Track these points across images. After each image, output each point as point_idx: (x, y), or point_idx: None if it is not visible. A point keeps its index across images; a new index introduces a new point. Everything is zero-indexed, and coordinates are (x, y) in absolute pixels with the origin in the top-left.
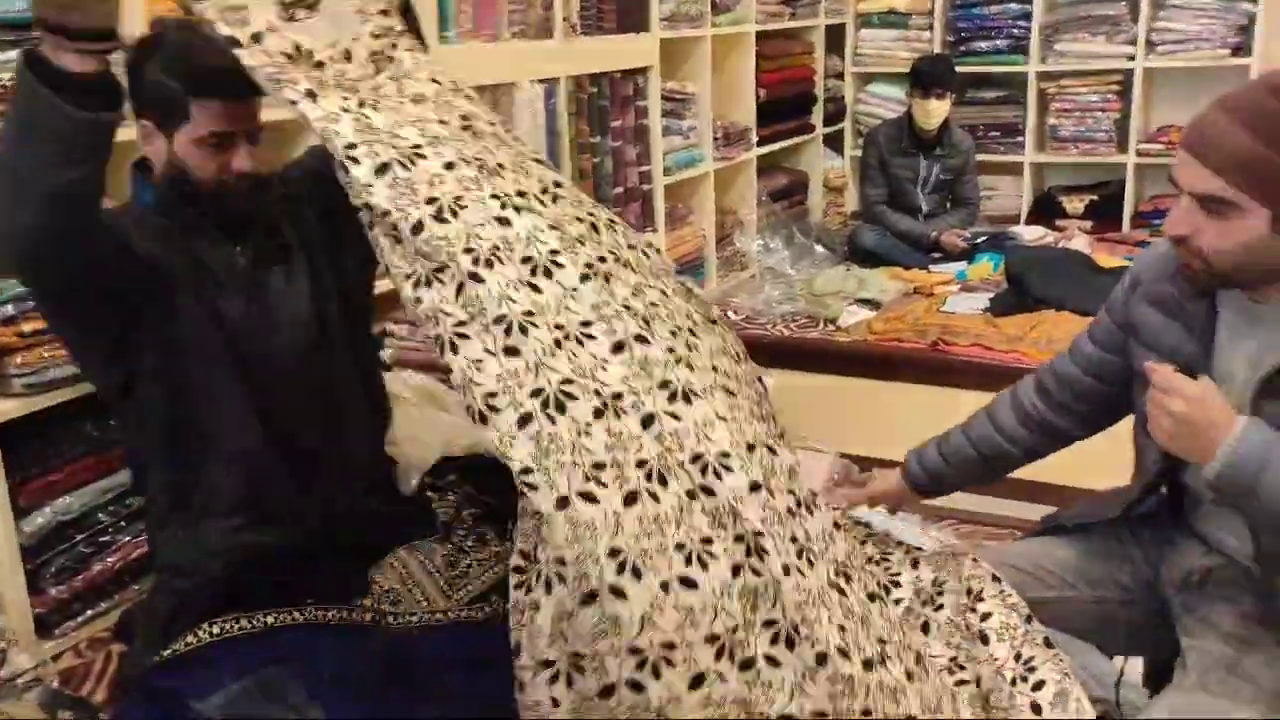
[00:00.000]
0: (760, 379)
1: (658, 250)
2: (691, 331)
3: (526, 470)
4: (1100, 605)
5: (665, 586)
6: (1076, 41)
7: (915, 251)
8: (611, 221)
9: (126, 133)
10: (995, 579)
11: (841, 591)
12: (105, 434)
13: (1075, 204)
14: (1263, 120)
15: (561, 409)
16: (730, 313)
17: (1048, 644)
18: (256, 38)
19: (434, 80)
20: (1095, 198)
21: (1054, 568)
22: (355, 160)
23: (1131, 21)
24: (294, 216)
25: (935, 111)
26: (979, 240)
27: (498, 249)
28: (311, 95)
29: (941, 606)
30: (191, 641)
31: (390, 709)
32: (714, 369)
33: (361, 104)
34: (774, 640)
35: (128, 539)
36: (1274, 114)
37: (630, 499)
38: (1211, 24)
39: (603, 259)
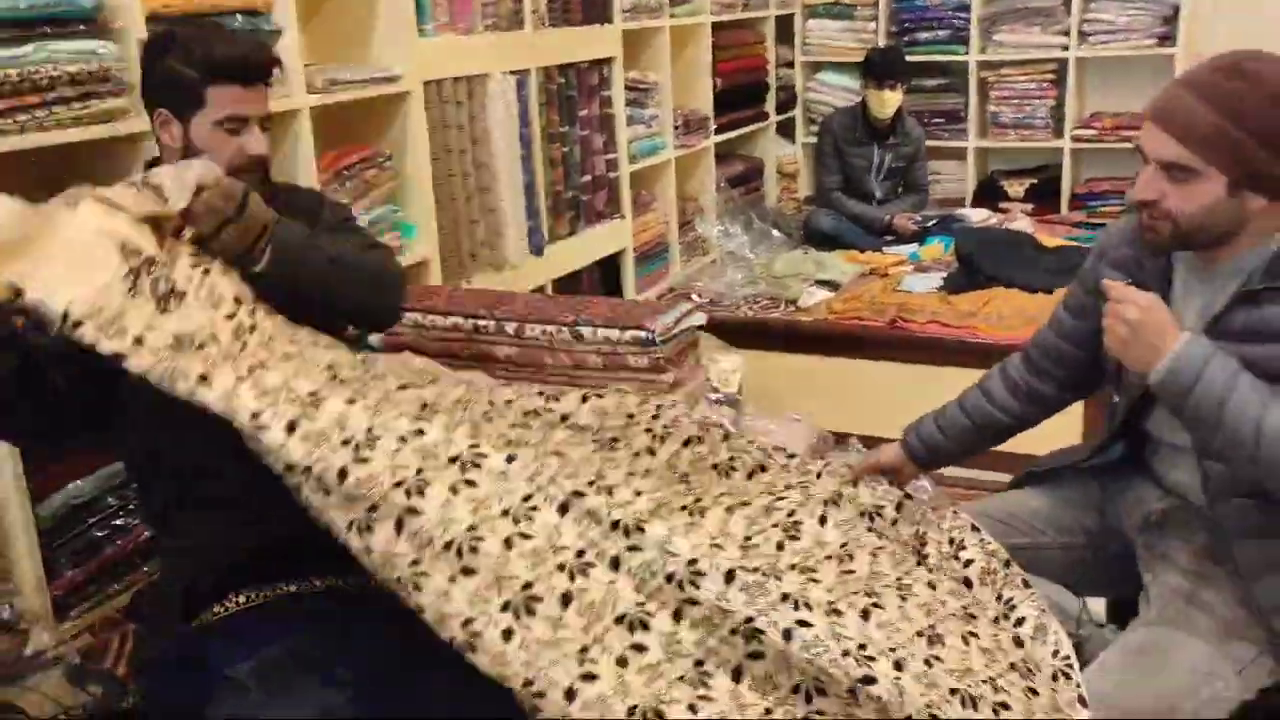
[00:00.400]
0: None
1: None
2: (607, 459)
3: (528, 683)
4: (1069, 550)
5: (692, 708)
6: (1013, 32)
7: (869, 235)
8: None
9: (130, 125)
10: (974, 529)
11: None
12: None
13: (1016, 187)
14: (1220, 98)
15: (532, 612)
16: (694, 296)
17: (1025, 584)
18: (139, 340)
19: (292, 341)
20: (1034, 181)
21: (1027, 517)
22: (264, 427)
23: (1065, 13)
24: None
25: (889, 101)
26: (929, 223)
27: (422, 470)
28: (205, 379)
29: (926, 555)
30: (219, 611)
31: (407, 670)
32: (644, 473)
33: (250, 369)
34: (809, 698)
35: (136, 522)
36: (1230, 93)
37: (623, 662)
38: (1139, 15)
39: (511, 435)
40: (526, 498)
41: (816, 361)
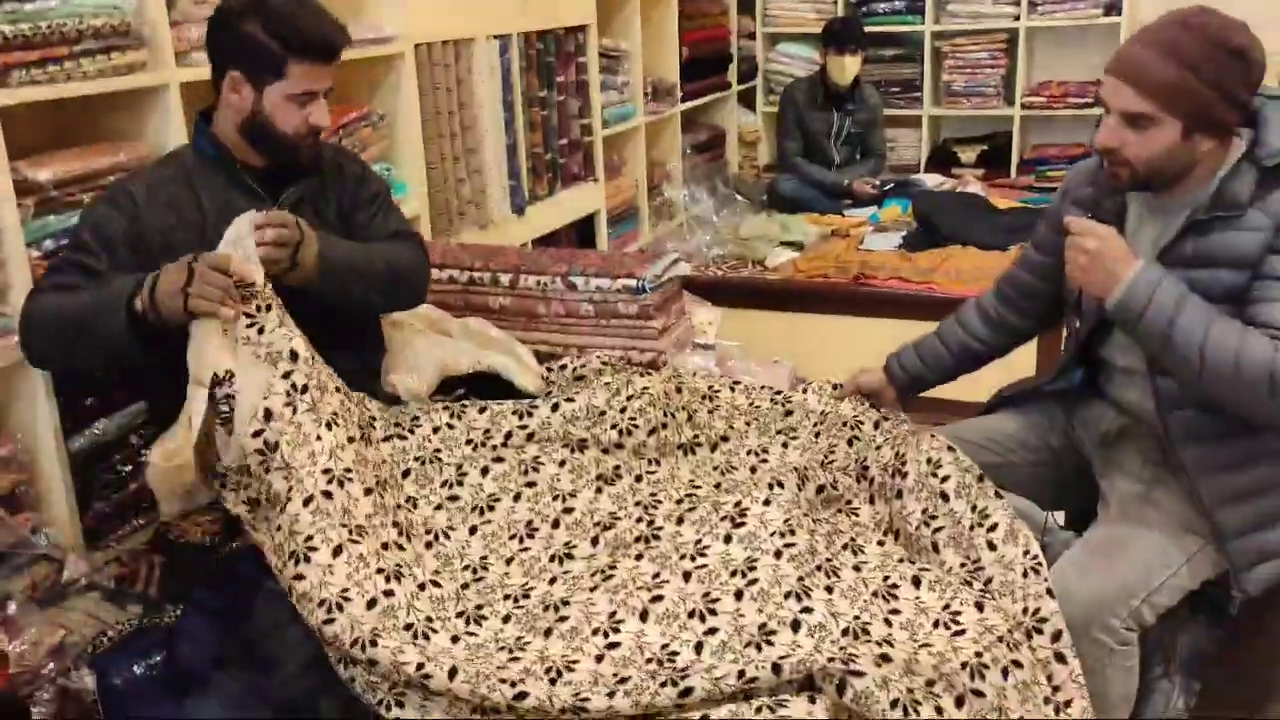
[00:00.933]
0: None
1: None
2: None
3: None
4: (1035, 467)
5: None
6: (966, 3)
7: (828, 199)
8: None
9: (149, 78)
10: (950, 449)
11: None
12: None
13: (968, 154)
14: (1174, 50)
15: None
16: None
17: (997, 495)
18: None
19: (336, 391)
20: (985, 148)
21: (998, 438)
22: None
23: None
24: (321, 199)
25: (849, 68)
26: (887, 187)
27: (376, 629)
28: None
29: (906, 474)
30: None
31: None
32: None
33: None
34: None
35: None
36: (1183, 45)
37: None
38: None
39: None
40: (479, 606)
41: (784, 317)
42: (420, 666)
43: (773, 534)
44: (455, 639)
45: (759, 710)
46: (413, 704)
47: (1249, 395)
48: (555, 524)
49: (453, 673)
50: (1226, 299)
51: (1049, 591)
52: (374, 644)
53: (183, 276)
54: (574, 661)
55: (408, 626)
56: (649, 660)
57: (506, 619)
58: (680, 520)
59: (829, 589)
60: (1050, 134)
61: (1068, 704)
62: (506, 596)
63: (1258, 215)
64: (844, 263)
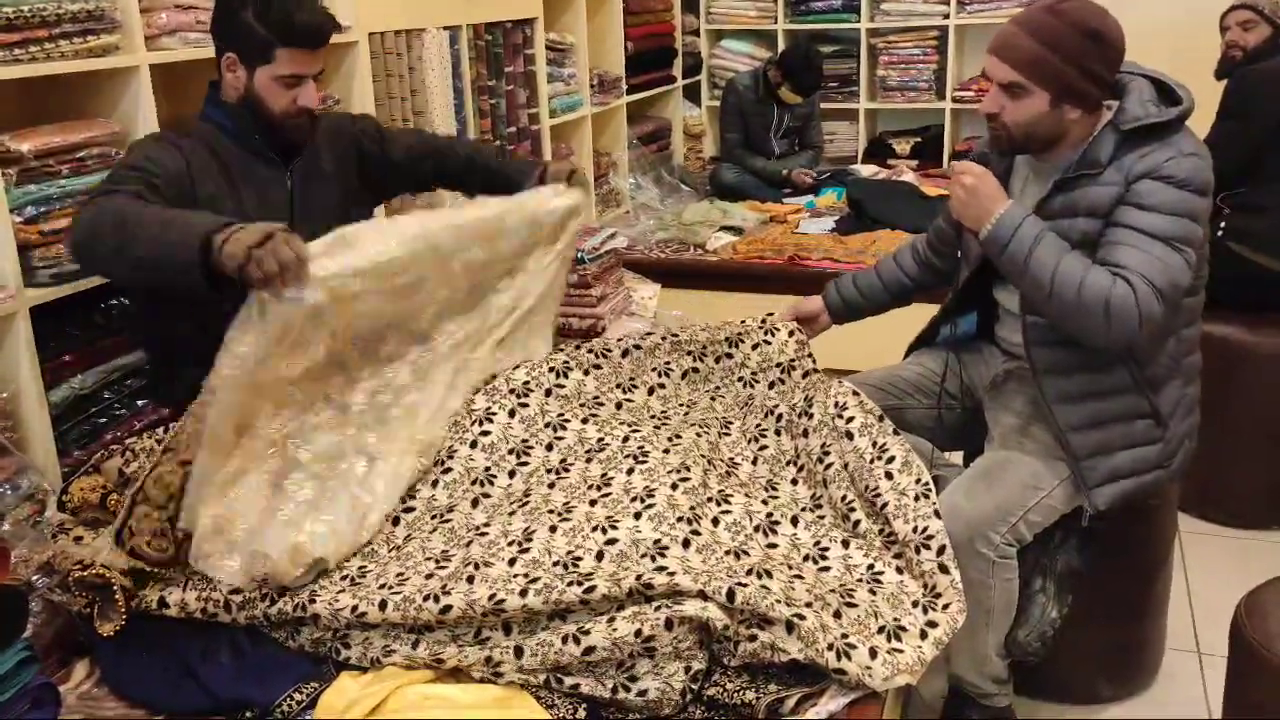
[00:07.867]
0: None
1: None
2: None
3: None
4: (933, 411)
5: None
6: (899, 2)
7: (768, 188)
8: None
9: (121, 60)
10: (855, 394)
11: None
12: (109, 322)
13: (903, 146)
14: (1040, 31)
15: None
16: None
17: (895, 433)
18: None
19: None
20: (919, 139)
21: (900, 385)
22: None
23: None
24: (340, 156)
25: (797, 98)
26: (823, 176)
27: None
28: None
29: (812, 415)
30: None
31: None
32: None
33: None
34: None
35: (125, 412)
36: (1048, 27)
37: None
38: None
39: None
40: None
41: (722, 296)
42: (355, 609)
43: (670, 470)
44: (387, 564)
45: (658, 609)
46: (356, 641)
47: (1089, 320)
48: (473, 445)
49: (383, 605)
50: (1084, 244)
51: (936, 513)
52: (312, 602)
53: (258, 237)
54: (489, 563)
55: (344, 577)
56: (556, 563)
57: (433, 531)
58: (589, 459)
59: (715, 520)
60: (979, 126)
61: (946, 606)
62: (434, 516)
63: (1113, 172)
64: (780, 245)
